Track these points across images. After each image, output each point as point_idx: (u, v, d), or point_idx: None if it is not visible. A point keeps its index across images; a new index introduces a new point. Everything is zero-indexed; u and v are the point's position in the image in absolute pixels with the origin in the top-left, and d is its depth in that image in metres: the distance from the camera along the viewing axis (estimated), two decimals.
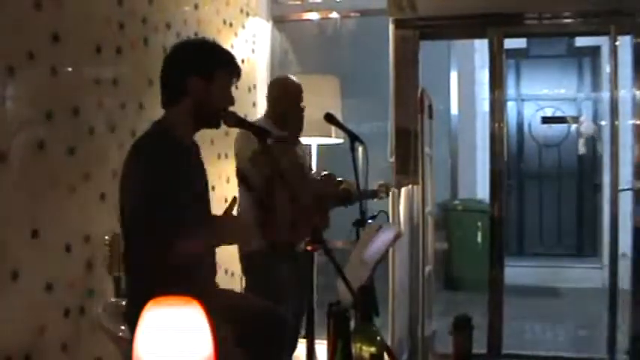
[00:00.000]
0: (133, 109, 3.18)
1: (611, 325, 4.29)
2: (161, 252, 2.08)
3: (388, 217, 3.43)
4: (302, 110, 3.38)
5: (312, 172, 3.60)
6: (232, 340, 2.17)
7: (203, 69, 2.28)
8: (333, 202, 3.40)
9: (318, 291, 3.24)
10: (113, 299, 2.67)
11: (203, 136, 3.73)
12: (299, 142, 3.54)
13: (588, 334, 5.26)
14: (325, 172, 3.50)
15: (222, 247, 2.41)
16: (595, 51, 7.97)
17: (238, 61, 2.44)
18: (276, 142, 2.61)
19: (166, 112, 2.34)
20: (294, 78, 3.49)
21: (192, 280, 2.10)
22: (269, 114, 3.42)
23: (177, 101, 2.30)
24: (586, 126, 7.77)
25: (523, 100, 8.55)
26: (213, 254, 2.46)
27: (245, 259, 3.28)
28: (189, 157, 2.39)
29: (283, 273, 3.15)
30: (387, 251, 2.74)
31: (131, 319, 2.21)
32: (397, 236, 2.80)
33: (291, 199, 2.82)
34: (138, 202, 2.16)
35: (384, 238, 2.65)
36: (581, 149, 7.88)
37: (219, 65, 2.33)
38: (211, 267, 2.46)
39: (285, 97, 3.37)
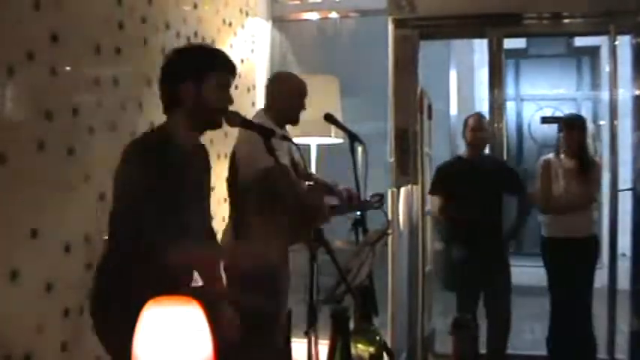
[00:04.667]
0: (133, 109, 3.18)
1: (610, 325, 4.29)
2: (140, 253, 2.06)
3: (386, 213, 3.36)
4: (303, 109, 3.29)
5: (311, 175, 3.41)
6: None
7: (193, 74, 2.29)
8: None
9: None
10: None
11: (202, 137, 3.76)
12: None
13: None
14: (314, 181, 3.30)
15: None
16: (594, 51, 7.97)
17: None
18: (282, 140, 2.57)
19: (167, 117, 2.36)
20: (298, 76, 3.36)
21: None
22: (269, 110, 3.27)
23: (175, 108, 2.31)
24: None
25: (522, 100, 8.55)
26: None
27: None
28: (189, 159, 2.37)
29: (281, 273, 3.11)
30: None
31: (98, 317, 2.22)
32: None
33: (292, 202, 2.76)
34: (121, 202, 2.19)
35: None
36: None
37: (208, 67, 2.32)
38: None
39: (291, 93, 3.24)
